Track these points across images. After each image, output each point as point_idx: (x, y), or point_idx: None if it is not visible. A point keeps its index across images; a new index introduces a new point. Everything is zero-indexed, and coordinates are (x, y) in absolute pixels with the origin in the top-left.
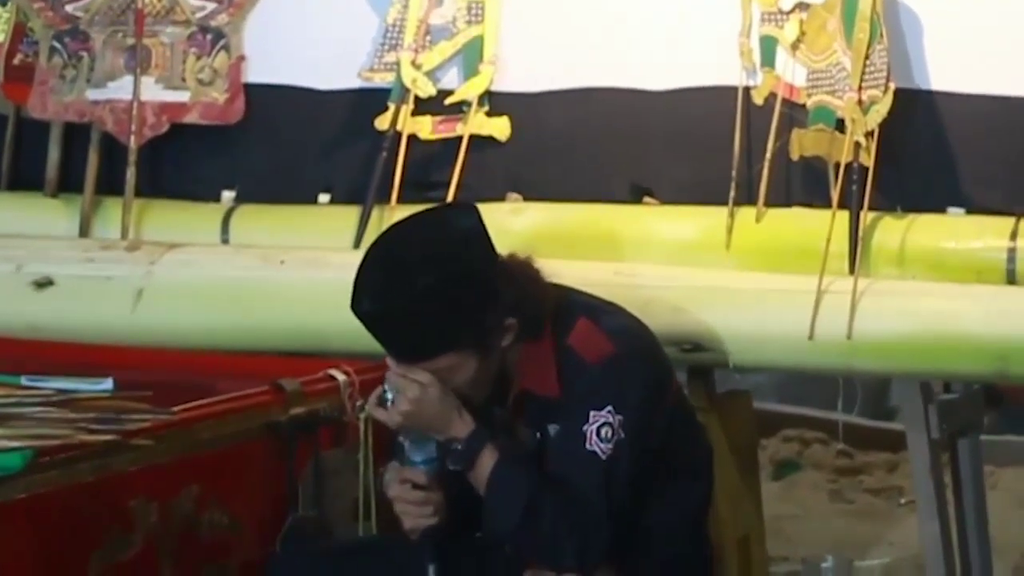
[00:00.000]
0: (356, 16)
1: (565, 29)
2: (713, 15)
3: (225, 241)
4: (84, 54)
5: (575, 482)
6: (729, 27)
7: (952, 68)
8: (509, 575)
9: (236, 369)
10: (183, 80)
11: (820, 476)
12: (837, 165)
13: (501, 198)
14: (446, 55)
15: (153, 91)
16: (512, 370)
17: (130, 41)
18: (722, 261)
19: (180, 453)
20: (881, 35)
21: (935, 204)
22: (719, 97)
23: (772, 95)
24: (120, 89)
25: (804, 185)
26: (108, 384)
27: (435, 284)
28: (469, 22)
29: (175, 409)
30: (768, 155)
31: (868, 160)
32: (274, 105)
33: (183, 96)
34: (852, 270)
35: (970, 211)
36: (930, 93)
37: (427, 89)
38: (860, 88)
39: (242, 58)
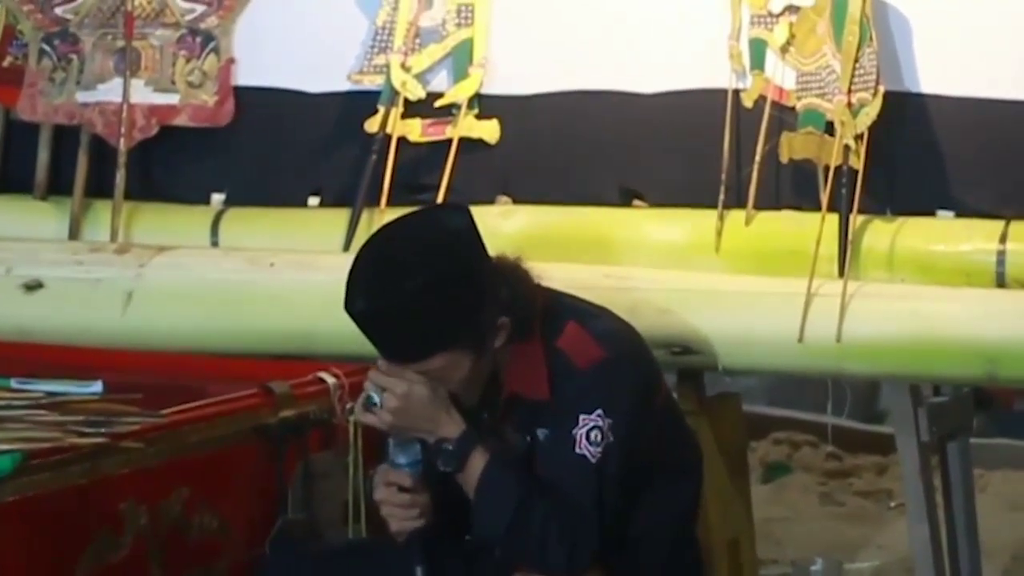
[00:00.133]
0: (345, 19)
1: (555, 32)
2: (702, 18)
3: (215, 244)
4: (74, 56)
5: (565, 485)
6: (718, 30)
7: (942, 71)
8: None
9: (226, 372)
10: (173, 82)
11: (810, 479)
12: (827, 168)
13: (491, 201)
14: (436, 58)
15: (143, 93)
16: (500, 373)
17: (120, 43)
18: (711, 264)
19: (170, 456)
20: (870, 38)
21: (924, 207)
22: (708, 100)
23: (762, 98)
24: (110, 91)
25: (793, 188)
26: (98, 387)
27: (429, 283)
28: (459, 25)
29: (165, 412)
30: (757, 158)
31: (857, 163)
32: (264, 108)
33: (173, 98)
34: (842, 273)
35: (959, 214)
36: (919, 96)
37: (417, 92)
38: (850, 91)
39: (232, 60)
